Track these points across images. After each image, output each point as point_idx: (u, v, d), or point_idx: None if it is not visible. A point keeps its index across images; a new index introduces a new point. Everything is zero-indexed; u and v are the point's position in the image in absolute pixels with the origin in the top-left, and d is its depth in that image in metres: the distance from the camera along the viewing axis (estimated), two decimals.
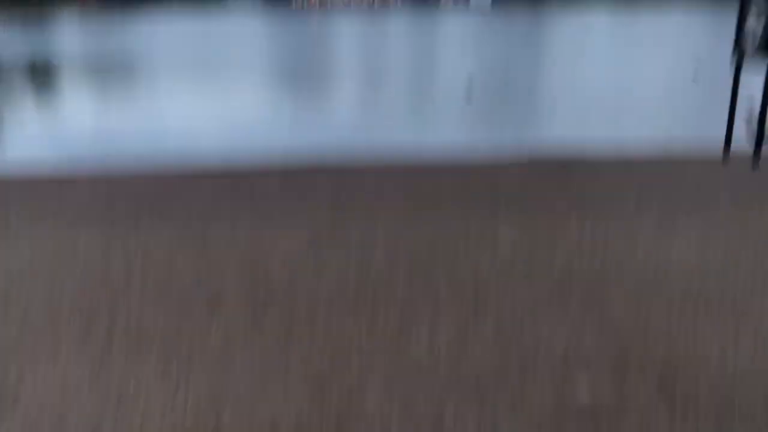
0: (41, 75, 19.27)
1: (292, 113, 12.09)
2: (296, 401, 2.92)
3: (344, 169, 7.16)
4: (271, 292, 4.04)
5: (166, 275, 4.30)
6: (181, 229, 5.23)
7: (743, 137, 8.93)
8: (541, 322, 3.59)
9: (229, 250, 4.74)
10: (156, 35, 40.28)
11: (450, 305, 3.83)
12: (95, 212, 5.71)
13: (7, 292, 4.07)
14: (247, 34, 41.18)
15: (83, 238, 5.03)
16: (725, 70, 17.34)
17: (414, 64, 20.53)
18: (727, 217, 5.32)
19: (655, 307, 3.74)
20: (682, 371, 3.09)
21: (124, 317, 3.72)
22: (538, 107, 12.27)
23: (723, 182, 6.34)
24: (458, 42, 30.99)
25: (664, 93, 13.77)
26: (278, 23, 52.73)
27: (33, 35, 44.07)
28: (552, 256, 4.52)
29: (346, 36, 37.57)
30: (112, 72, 19.61)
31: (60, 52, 27.65)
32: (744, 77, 14.73)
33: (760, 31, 6.58)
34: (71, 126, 11.28)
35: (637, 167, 6.98)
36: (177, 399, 2.94)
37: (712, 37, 30.13)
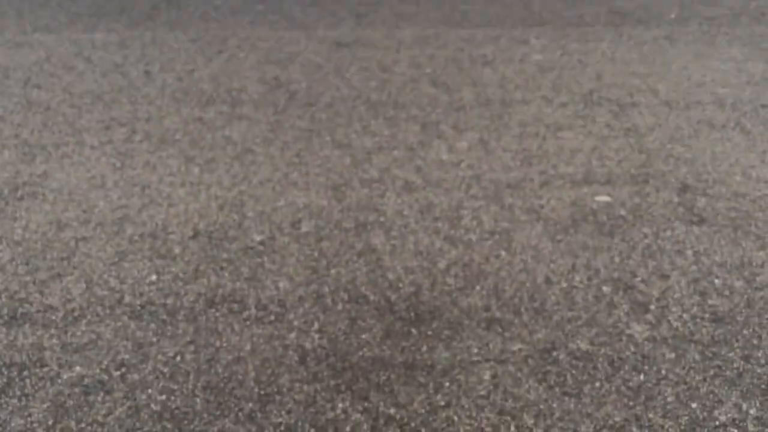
0: None
1: None
2: (316, 202, 2.96)
3: None
4: (291, 95, 3.97)
5: (186, 75, 4.22)
6: (200, 30, 5.06)
7: None
8: (565, 136, 3.53)
9: (249, 51, 4.61)
10: None
11: (473, 115, 3.76)
12: (111, 14, 5.51)
13: (26, 93, 4.04)
14: None
15: (100, 40, 4.90)
16: None
17: None
18: None
19: (684, 126, 3.64)
20: (704, 187, 3.07)
21: (144, 116, 3.71)
22: None
23: None
24: None
25: None
26: None
27: None
28: (582, 69, 4.35)
29: None
30: None
31: None
32: None
33: None
34: None
35: None
36: (200, 195, 3.00)
37: None
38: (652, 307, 2.34)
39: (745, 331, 2.22)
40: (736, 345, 2.16)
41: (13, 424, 1.88)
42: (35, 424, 1.88)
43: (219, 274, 2.49)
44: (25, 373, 2.05)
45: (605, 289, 2.42)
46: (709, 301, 2.36)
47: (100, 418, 1.90)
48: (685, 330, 2.23)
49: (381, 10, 5.53)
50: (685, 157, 3.31)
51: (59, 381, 2.02)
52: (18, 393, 1.98)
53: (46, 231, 2.73)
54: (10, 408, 1.93)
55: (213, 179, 3.12)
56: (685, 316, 2.29)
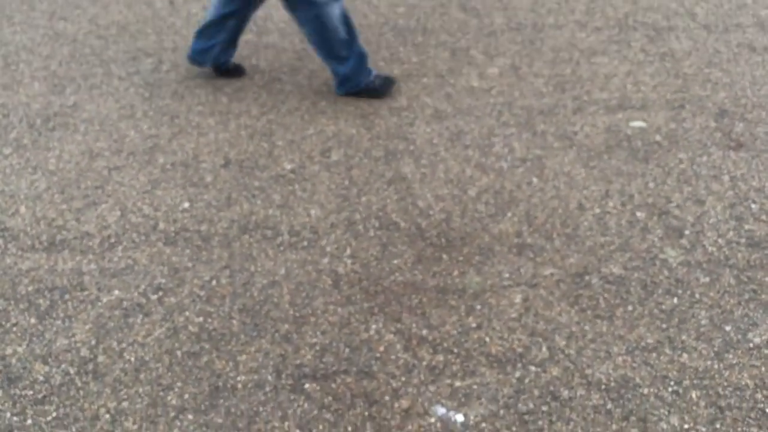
0: None
1: None
2: (345, 131, 2.94)
3: None
4: None
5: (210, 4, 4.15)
6: None
7: None
8: (599, 61, 3.43)
9: None
10: None
11: (504, 40, 3.66)
12: None
13: (53, 25, 4.01)
14: None
15: None
16: None
17: None
18: None
19: (723, 50, 3.51)
20: (742, 112, 2.98)
21: (171, 46, 3.68)
22: None
23: None
24: None
25: None
26: None
27: None
28: None
29: None
30: None
31: None
32: None
33: None
34: None
35: None
36: (230, 125, 2.99)
37: None
38: (687, 232, 2.31)
39: None
40: None
41: (58, 344, 1.95)
42: (79, 344, 1.95)
43: (251, 202, 2.50)
44: (67, 296, 2.11)
45: (639, 214, 2.40)
46: (746, 227, 2.33)
47: (140, 339, 1.96)
48: (720, 255, 2.21)
49: None
50: (724, 81, 3.21)
51: (99, 304, 2.08)
52: (61, 315, 2.04)
53: (79, 161, 2.76)
54: (54, 329, 2.00)
55: (242, 108, 3.10)
56: (720, 241, 2.27)
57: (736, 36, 3.62)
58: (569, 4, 4.04)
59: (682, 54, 3.46)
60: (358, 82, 3.13)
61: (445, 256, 2.24)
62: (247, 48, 3.64)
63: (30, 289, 2.13)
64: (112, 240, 2.33)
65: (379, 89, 3.17)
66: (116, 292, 2.12)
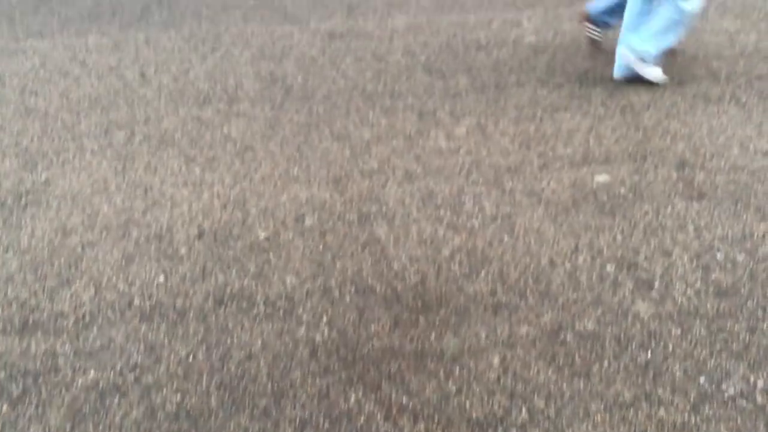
0: None
1: None
2: (318, 196, 2.98)
3: None
4: (288, 89, 3.98)
5: (181, 75, 4.23)
6: (193, 28, 5.05)
7: None
8: (562, 117, 3.54)
9: (243, 47, 4.61)
10: None
11: (470, 100, 3.76)
12: (103, 16, 5.50)
13: (24, 100, 4.05)
14: None
15: (94, 43, 4.90)
16: None
17: None
18: (763, 11, 5.00)
19: (679, 102, 3.65)
20: (702, 162, 3.08)
21: (143, 118, 3.72)
22: None
23: None
24: None
25: None
26: None
27: None
28: (576, 49, 4.34)
29: None
30: None
31: None
32: None
33: None
34: None
35: None
36: (203, 195, 3.01)
37: None
38: (656, 284, 2.36)
39: (749, 304, 2.25)
40: (741, 318, 2.19)
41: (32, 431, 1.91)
42: (53, 431, 1.91)
43: (226, 273, 2.51)
44: (40, 380, 2.07)
45: (609, 268, 2.45)
46: (713, 276, 2.39)
47: (117, 421, 1.93)
48: (690, 305, 2.26)
49: (372, 0, 5.52)
50: (682, 132, 3.32)
51: (74, 386, 2.05)
52: (34, 400, 2.01)
53: (52, 238, 2.75)
54: (27, 416, 1.96)
55: (215, 178, 3.14)
56: (689, 291, 2.32)
57: (691, 88, 3.77)
58: (530, 62, 4.18)
59: (641, 107, 3.59)
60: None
61: (422, 319, 2.26)
62: (217, 117, 3.69)
63: (1, 375, 2.10)
64: (87, 319, 2.31)
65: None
66: (92, 372, 2.10)
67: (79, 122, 3.70)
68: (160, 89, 4.06)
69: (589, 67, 4.08)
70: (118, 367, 2.11)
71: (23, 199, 3.02)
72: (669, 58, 3.84)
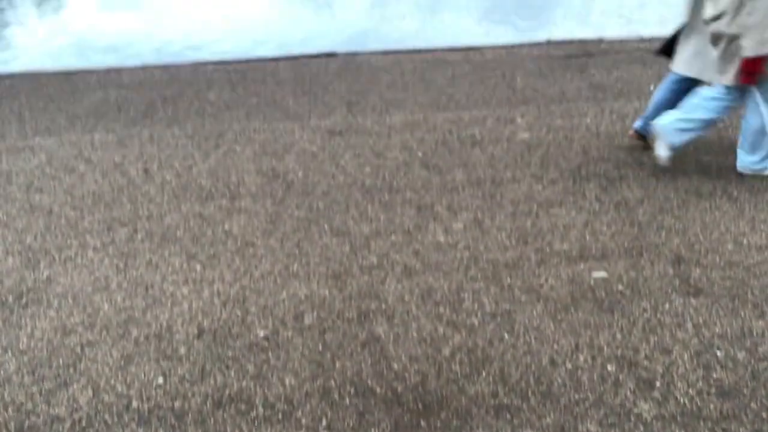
0: None
1: (299, 9, 11.72)
2: (318, 292, 3.00)
3: (357, 61, 6.99)
4: (289, 185, 4.06)
5: (185, 171, 4.32)
6: (196, 125, 5.21)
7: None
8: (557, 213, 3.60)
9: (245, 144, 4.73)
10: None
11: (466, 195, 3.84)
12: (109, 114, 5.67)
13: (29, 197, 4.13)
14: None
15: (99, 140, 5.03)
16: None
17: None
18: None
19: (672, 197, 3.73)
20: (697, 258, 3.12)
21: (145, 214, 3.78)
22: None
23: None
24: None
25: None
26: None
27: None
28: (569, 145, 4.47)
29: None
30: None
31: None
32: None
33: None
34: (77, 27, 11.02)
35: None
36: (203, 293, 3.03)
37: None
38: (658, 383, 2.35)
39: (752, 405, 2.23)
40: (745, 420, 2.17)
41: None
42: None
43: (225, 374, 2.50)
44: None
45: (610, 367, 2.44)
46: (714, 375, 2.38)
47: None
48: (693, 406, 2.24)
49: (371, 97, 5.72)
50: (676, 227, 3.38)
51: None
52: None
53: (52, 338, 2.75)
54: None
55: (215, 275, 3.16)
56: (691, 391, 2.30)
57: (683, 182, 3.86)
58: (524, 158, 4.29)
59: (635, 202, 3.67)
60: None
61: (423, 423, 2.23)
62: (219, 213, 3.76)
63: None
64: (83, 423, 2.28)
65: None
66: None
67: (82, 219, 3.76)
68: (163, 185, 4.15)
69: (582, 162, 4.19)
70: None
71: (24, 298, 3.03)
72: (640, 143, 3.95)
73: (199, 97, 5.95)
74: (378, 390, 2.38)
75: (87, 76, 6.82)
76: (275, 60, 7.18)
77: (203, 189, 4.09)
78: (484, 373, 2.44)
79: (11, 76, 7.04)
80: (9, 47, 9.62)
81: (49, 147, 4.89)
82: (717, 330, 2.61)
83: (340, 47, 7.64)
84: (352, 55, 7.19)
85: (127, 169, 4.41)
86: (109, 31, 10.15)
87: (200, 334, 2.74)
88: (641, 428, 2.16)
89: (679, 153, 4.00)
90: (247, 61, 7.19)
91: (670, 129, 3.83)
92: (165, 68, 7.04)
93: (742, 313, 2.70)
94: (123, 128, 5.24)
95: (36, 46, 9.53)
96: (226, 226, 3.62)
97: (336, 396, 2.36)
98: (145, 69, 7.06)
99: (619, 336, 2.61)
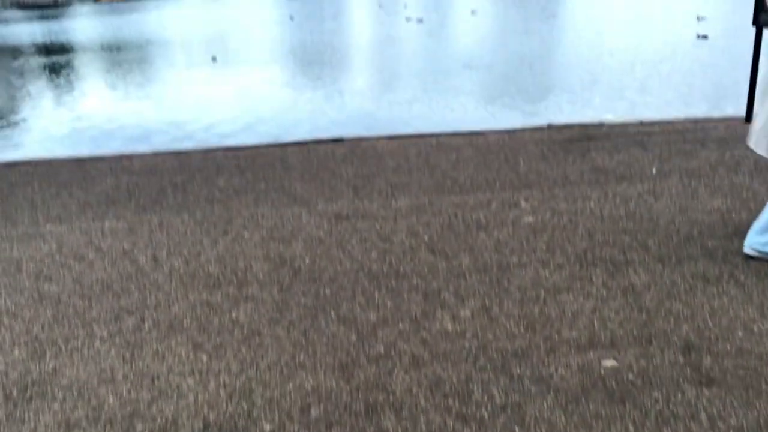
0: (58, 60, 19.41)
1: (305, 92, 12.09)
2: (325, 384, 2.97)
3: (363, 146, 7.15)
4: (296, 271, 4.08)
5: (193, 258, 4.36)
6: (205, 212, 5.28)
7: None
8: (565, 299, 3.60)
9: (253, 230, 4.78)
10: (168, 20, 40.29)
11: (473, 281, 3.85)
12: (120, 200, 5.77)
13: (38, 286, 4.15)
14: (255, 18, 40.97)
15: (109, 227, 5.10)
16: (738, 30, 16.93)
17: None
18: (751, 190, 5.25)
19: (679, 282, 3.73)
20: (708, 345, 3.09)
21: (153, 303, 3.79)
22: (549, 78, 12.12)
23: (746, 150, 6.24)
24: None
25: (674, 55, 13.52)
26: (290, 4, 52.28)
27: (48, 20, 44.26)
28: (574, 229, 4.50)
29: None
30: (126, 56, 19.66)
31: (75, 38, 27.73)
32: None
33: None
34: (90, 114, 11.37)
35: (657, 135, 6.88)
36: (210, 384, 3.00)
37: None
38: None
39: None
40: None
41: None
42: None
43: None
44: None
45: None
46: None
47: None
48: None
49: (376, 182, 5.81)
50: (685, 314, 3.36)
51: None
52: None
53: None
54: None
55: (221, 366, 3.14)
56: None
57: (689, 267, 3.87)
58: (530, 242, 4.32)
59: (642, 287, 3.66)
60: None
61: None
62: (226, 301, 3.76)
63: None
64: None
65: None
66: None
67: (90, 308, 3.77)
68: (171, 273, 4.18)
69: (588, 246, 4.21)
70: None
71: (29, 391, 3.01)
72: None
73: (209, 183, 6.06)
74: None
75: (99, 163, 6.98)
76: (284, 145, 7.34)
77: (211, 276, 4.11)
78: None
79: (26, 163, 7.21)
80: (25, 133, 9.89)
81: (60, 234, 4.95)
82: (732, 422, 2.56)
83: (347, 131, 7.83)
84: (358, 140, 7.36)
85: (136, 257, 4.45)
86: (126, 121, 10.45)
87: (206, 428, 2.70)
88: None
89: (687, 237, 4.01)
90: (257, 147, 7.35)
91: None
92: (176, 155, 7.20)
93: (758, 404, 2.65)
94: (133, 215, 5.32)
95: (51, 133, 9.79)
96: (233, 315, 3.62)
97: None
98: (156, 155, 7.22)
99: (632, 428, 2.55)
